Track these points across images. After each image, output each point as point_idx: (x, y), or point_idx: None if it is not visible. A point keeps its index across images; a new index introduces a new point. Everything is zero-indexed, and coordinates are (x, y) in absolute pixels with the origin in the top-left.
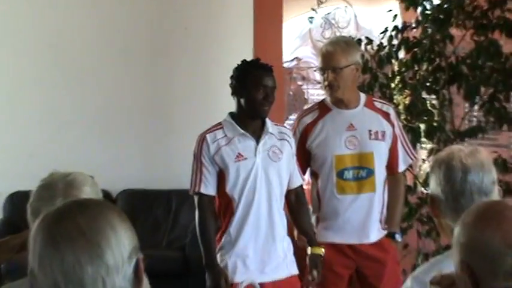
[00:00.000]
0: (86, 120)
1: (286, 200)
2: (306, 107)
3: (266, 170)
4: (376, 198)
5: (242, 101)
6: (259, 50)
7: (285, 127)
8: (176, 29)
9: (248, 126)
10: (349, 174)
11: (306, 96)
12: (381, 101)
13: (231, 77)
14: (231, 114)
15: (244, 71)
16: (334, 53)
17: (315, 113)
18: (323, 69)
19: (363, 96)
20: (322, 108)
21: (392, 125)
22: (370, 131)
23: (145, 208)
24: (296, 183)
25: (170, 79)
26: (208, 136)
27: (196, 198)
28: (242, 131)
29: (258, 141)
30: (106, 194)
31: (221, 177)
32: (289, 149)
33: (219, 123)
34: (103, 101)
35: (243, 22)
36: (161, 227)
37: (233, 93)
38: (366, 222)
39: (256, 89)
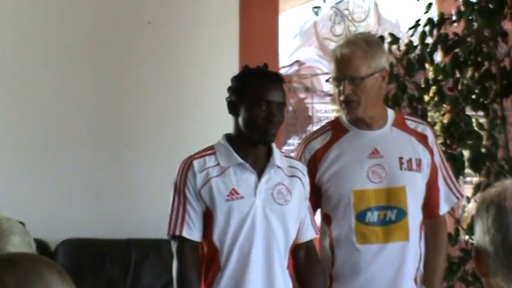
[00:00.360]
0: (15, 148)
1: (292, 257)
2: (314, 129)
3: (267, 215)
4: (410, 249)
5: (240, 121)
6: (247, 50)
7: (298, 160)
8: (137, 23)
9: (248, 154)
10: (373, 217)
11: (310, 113)
12: (416, 119)
13: (228, 89)
14: (228, 137)
15: (243, 81)
16: (353, 57)
17: (327, 136)
18: (338, 80)
19: (391, 113)
20: (336, 128)
21: (431, 152)
22: (401, 158)
23: (95, 264)
24: (307, 236)
25: (128, 89)
26: (195, 163)
27: (175, 245)
28: (240, 160)
29: (260, 176)
30: (42, 246)
31: (207, 219)
32: (301, 189)
33: (211, 147)
34: (37, 122)
35: (225, 13)
36: None
37: (230, 111)
38: (396, 281)
39: (256, 104)
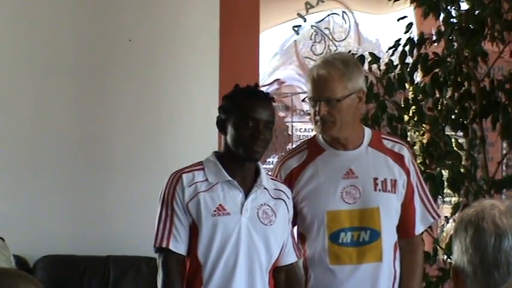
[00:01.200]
0: None
1: (273, 279)
2: (291, 147)
3: (252, 234)
4: (384, 270)
5: (228, 138)
6: (227, 69)
7: (283, 184)
8: (118, 41)
9: (236, 172)
10: (346, 238)
11: (289, 132)
12: (393, 138)
13: (219, 108)
14: (216, 154)
15: (232, 99)
16: (329, 78)
17: (303, 155)
18: (314, 100)
19: (368, 133)
20: (312, 147)
21: (407, 172)
22: (375, 179)
23: (74, 280)
24: (288, 260)
25: (108, 107)
26: (184, 176)
27: (161, 257)
28: (228, 177)
29: (247, 195)
30: (21, 262)
31: (192, 233)
32: (286, 212)
33: (200, 163)
34: (16, 136)
35: (206, 31)
36: None
37: (219, 129)
38: None
39: (242, 122)
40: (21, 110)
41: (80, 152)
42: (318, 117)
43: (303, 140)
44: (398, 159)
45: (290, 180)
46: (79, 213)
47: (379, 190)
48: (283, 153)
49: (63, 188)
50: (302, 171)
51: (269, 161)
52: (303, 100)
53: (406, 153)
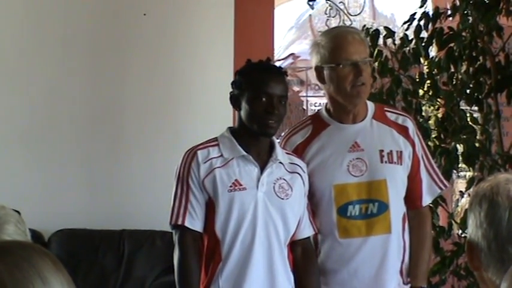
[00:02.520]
0: (10, 138)
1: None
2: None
3: (268, 208)
4: (393, 242)
5: (242, 114)
6: (242, 43)
7: (299, 158)
8: (133, 15)
9: (251, 147)
10: (354, 211)
11: (304, 106)
12: (396, 110)
13: (232, 84)
14: (231, 130)
15: (244, 75)
16: (362, 42)
17: (308, 130)
18: (353, 63)
19: (371, 106)
20: (317, 123)
21: (412, 143)
22: (381, 151)
23: (89, 254)
24: (304, 234)
25: (123, 81)
26: (199, 153)
27: (177, 234)
28: (243, 152)
29: (262, 169)
30: (36, 235)
31: (209, 210)
32: (302, 186)
33: (215, 139)
34: (32, 112)
35: (221, 5)
36: (110, 279)
37: (232, 105)
38: (380, 274)
39: (256, 97)
40: (36, 85)
41: (95, 127)
42: (360, 81)
43: (307, 116)
44: (403, 131)
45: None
46: (94, 187)
47: (386, 162)
48: (288, 130)
49: (78, 162)
50: (307, 147)
51: (283, 135)
52: (338, 65)
53: (410, 124)
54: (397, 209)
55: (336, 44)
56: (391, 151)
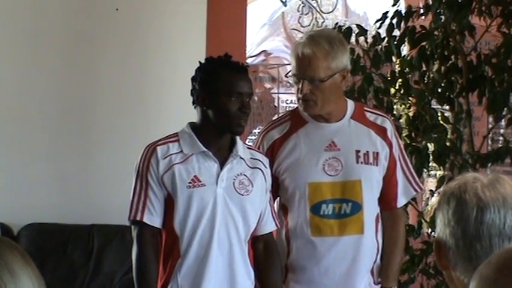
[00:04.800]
0: None
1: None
2: (274, 118)
3: (228, 204)
4: (365, 242)
5: (210, 112)
6: (214, 39)
7: (260, 152)
8: (105, 10)
9: (212, 143)
10: (328, 210)
11: (275, 103)
12: (376, 111)
13: (193, 80)
14: (192, 126)
15: (213, 72)
16: (313, 58)
17: (286, 126)
18: (297, 78)
19: (351, 105)
20: (295, 119)
21: (390, 145)
22: (358, 151)
23: (58, 249)
24: (266, 229)
25: (93, 76)
26: (159, 149)
27: (135, 230)
28: (203, 148)
29: (222, 165)
30: (5, 229)
31: (168, 206)
32: (263, 181)
33: (175, 134)
34: (2, 106)
35: (192, 1)
36: (79, 274)
37: (197, 103)
38: (350, 274)
39: (229, 97)
40: (4, 78)
41: (65, 121)
42: (300, 95)
43: (286, 112)
44: (381, 131)
45: (272, 151)
46: (64, 182)
47: (361, 163)
48: (265, 125)
49: (48, 156)
50: (284, 143)
51: (255, 132)
52: (286, 75)
53: (388, 125)
54: (370, 209)
55: (292, 57)
56: (367, 152)
